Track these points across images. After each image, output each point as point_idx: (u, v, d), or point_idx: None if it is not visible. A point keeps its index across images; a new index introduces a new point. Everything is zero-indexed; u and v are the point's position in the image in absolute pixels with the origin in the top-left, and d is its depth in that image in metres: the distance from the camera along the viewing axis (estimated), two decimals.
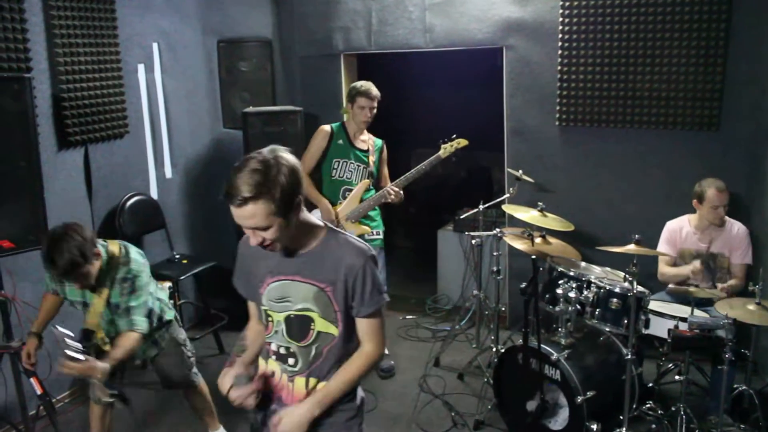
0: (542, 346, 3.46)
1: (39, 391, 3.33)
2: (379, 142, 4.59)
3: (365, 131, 4.51)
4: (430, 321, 5.57)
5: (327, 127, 4.48)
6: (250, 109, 5.07)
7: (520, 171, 4.64)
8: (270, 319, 2.12)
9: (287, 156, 1.90)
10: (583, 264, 4.14)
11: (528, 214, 4.17)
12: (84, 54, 4.20)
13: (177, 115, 5.13)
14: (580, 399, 3.36)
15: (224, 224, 5.26)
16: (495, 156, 5.00)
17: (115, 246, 3.14)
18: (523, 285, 3.11)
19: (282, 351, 2.12)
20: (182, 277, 4.68)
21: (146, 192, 4.87)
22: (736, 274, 4.00)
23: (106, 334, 3.18)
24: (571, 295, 3.64)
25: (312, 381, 2.11)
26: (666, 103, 4.49)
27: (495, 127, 5.14)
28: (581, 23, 4.61)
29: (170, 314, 3.43)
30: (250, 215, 1.84)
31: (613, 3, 4.50)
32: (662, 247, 4.14)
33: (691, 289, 3.56)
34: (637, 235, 3.51)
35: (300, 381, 2.11)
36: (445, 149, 4.38)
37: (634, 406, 3.57)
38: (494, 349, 4.40)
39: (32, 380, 3.32)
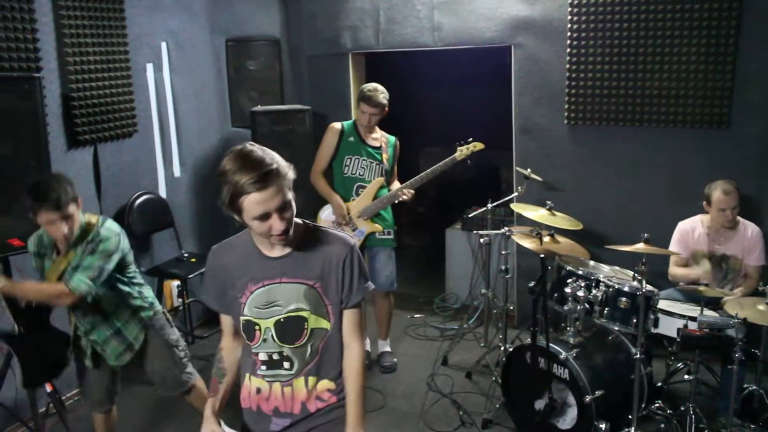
0: (551, 345, 3.45)
1: (49, 389, 3.36)
2: (392, 139, 4.57)
3: (377, 129, 4.50)
4: (438, 320, 5.57)
5: (337, 125, 4.47)
6: (259, 108, 5.08)
7: (529, 169, 4.63)
8: (257, 327, 2.05)
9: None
10: (591, 263, 4.13)
11: (536, 213, 4.16)
12: (93, 53, 4.22)
13: (185, 114, 5.14)
14: (588, 398, 3.35)
15: (233, 223, 5.28)
16: (503, 154, 4.98)
17: (93, 217, 3.10)
18: (532, 284, 3.10)
19: (275, 357, 2.07)
20: (191, 276, 4.70)
21: (155, 191, 4.89)
22: (751, 276, 3.97)
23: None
24: (580, 293, 3.62)
25: (311, 380, 2.10)
26: (676, 101, 4.46)
27: (503, 125, 5.13)
28: (590, 21, 4.59)
29: (147, 313, 3.28)
30: (277, 191, 1.84)
31: (622, 1, 4.47)
32: (674, 247, 4.12)
33: (701, 288, 3.55)
34: (646, 234, 3.50)
35: (298, 382, 2.10)
36: (461, 152, 4.34)
37: (643, 405, 3.56)
38: (502, 348, 4.39)
39: None
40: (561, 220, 4.16)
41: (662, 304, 3.66)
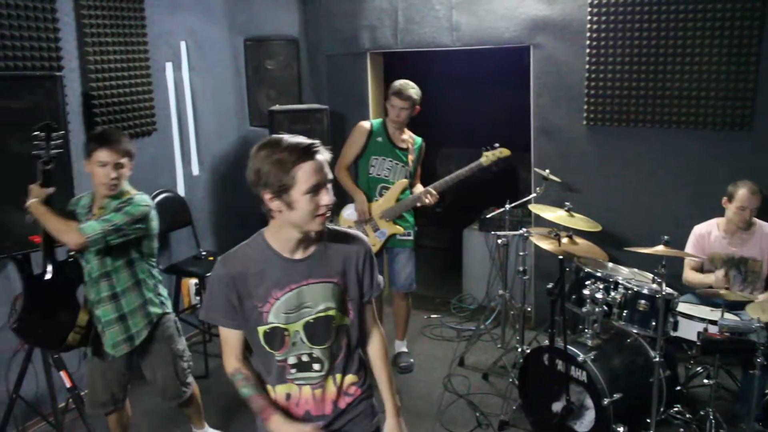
0: (568, 347, 3.43)
1: (68, 384, 3.39)
2: (419, 140, 4.53)
3: (405, 130, 4.47)
4: (454, 320, 5.56)
5: (366, 124, 4.45)
6: (277, 107, 5.10)
7: (547, 170, 4.60)
8: (286, 332, 2.02)
9: None
10: (610, 265, 4.10)
11: (555, 214, 4.13)
12: (113, 53, 4.25)
13: (204, 113, 5.17)
14: (606, 401, 3.33)
15: (251, 221, 5.30)
16: (521, 155, 4.96)
17: (133, 189, 3.17)
18: (550, 285, 3.09)
19: (304, 359, 2.06)
20: (208, 274, 4.70)
21: (173, 189, 4.91)
22: None
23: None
24: (598, 296, 3.60)
25: (338, 377, 2.13)
26: (697, 102, 4.42)
27: (521, 126, 5.11)
28: (610, 21, 4.56)
29: (156, 309, 3.24)
30: (325, 162, 1.95)
31: (642, 0, 4.43)
32: (689, 251, 4.07)
33: (722, 291, 3.51)
34: (666, 237, 3.46)
35: (329, 382, 2.12)
36: (487, 157, 4.27)
37: (662, 409, 3.52)
38: (519, 350, 4.37)
39: (62, 373, 3.38)
40: (579, 222, 4.13)
41: (682, 307, 3.63)
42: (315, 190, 1.90)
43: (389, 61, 5.88)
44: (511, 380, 4.18)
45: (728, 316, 3.48)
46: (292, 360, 2.06)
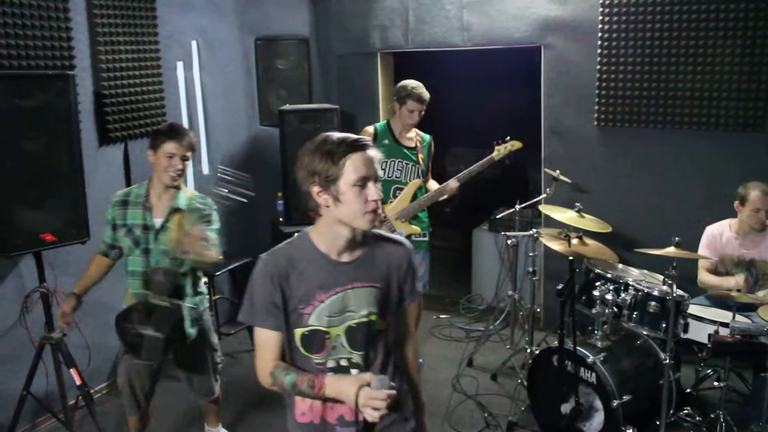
0: (578, 348, 3.41)
1: (78, 382, 3.42)
2: (427, 137, 4.49)
3: (412, 128, 4.46)
4: (463, 321, 5.55)
5: (370, 128, 4.41)
6: (287, 106, 5.11)
7: (558, 171, 4.59)
8: (327, 336, 1.99)
9: None
10: (620, 266, 4.08)
11: (565, 215, 4.12)
12: (125, 52, 4.28)
13: (214, 112, 5.19)
14: (615, 403, 3.31)
15: (260, 220, 5.32)
16: (531, 155, 4.94)
17: (189, 190, 3.30)
18: (560, 286, 3.08)
19: (343, 363, 2.03)
20: (218, 273, 4.74)
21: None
22: None
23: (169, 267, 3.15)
24: (608, 297, 3.58)
25: None
26: (708, 103, 4.39)
27: (532, 126, 5.09)
28: (621, 21, 4.54)
29: (204, 303, 3.35)
30: (373, 158, 1.92)
31: (654, 1, 4.41)
32: (702, 252, 4.04)
33: (733, 293, 3.48)
34: (677, 238, 3.44)
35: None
36: (499, 151, 4.24)
37: (671, 411, 3.50)
38: (528, 351, 4.36)
39: (72, 371, 3.40)
40: (590, 222, 4.11)
41: (692, 309, 3.61)
42: (363, 182, 1.88)
43: (399, 61, 5.88)
44: (519, 381, 4.17)
45: (740, 318, 3.46)
46: (331, 364, 2.03)
